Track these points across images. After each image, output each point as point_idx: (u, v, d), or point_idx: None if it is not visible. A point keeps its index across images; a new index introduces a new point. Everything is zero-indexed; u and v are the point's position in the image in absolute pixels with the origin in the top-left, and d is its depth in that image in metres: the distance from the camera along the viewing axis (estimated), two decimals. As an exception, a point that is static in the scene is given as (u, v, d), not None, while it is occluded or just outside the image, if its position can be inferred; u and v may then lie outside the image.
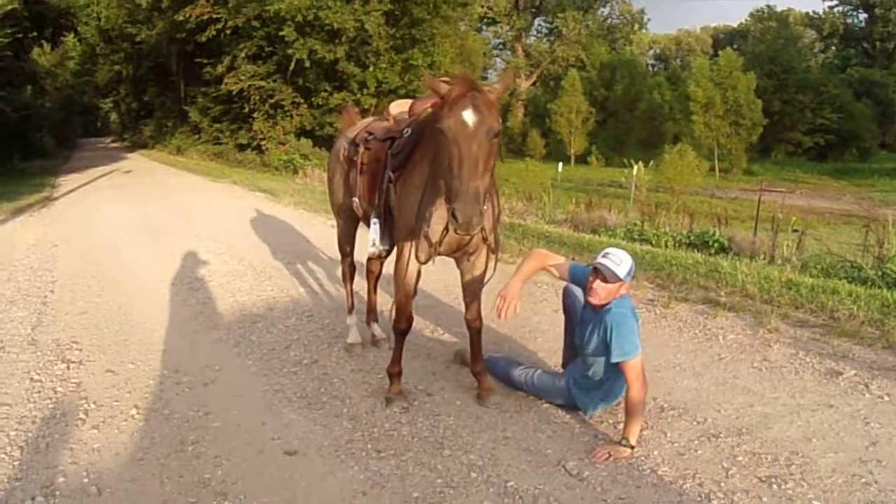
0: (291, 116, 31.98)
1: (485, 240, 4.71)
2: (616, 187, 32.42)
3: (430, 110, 4.86)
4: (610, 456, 4.16)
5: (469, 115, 3.81)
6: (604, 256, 4.39)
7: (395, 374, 5.04)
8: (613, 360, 4.32)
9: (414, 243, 4.66)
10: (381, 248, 5.14)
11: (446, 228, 4.42)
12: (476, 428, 4.62)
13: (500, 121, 4.03)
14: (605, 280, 4.33)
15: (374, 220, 5.10)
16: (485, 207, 4.64)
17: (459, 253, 4.80)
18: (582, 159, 58.82)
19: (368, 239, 5.14)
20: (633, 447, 4.22)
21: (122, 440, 4.51)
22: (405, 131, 4.92)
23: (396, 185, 4.83)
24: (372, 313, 6.47)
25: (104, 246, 11.35)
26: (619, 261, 4.35)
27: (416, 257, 4.66)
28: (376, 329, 6.37)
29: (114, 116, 74.84)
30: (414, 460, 4.21)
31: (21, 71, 32.58)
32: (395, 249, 4.91)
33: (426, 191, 4.51)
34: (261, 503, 3.78)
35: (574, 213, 15.35)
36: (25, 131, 36.19)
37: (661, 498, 3.78)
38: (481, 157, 3.81)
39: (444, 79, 4.17)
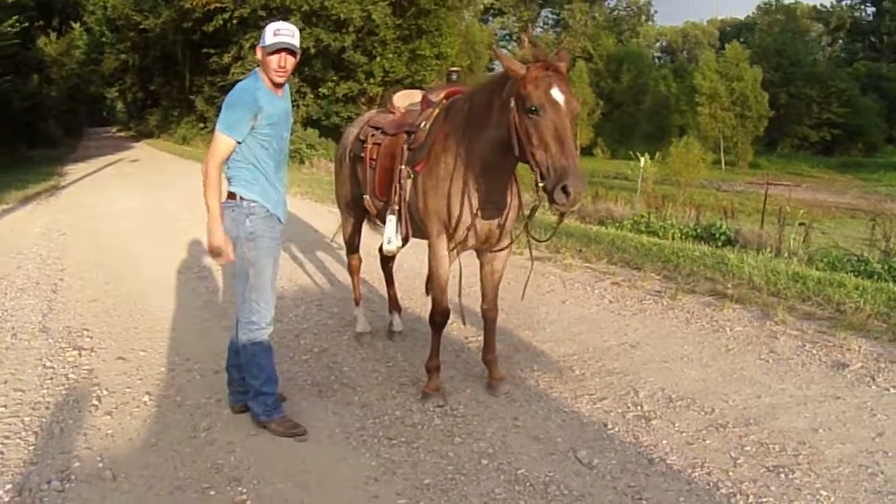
0: (298, 106, 32.00)
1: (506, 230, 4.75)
2: (622, 179, 32.43)
3: (445, 102, 4.88)
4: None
5: (558, 93, 3.84)
6: (277, 35, 4.15)
7: (433, 368, 4.97)
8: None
9: (446, 237, 4.66)
10: (397, 244, 5.02)
11: (478, 218, 4.51)
12: (486, 416, 4.65)
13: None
14: (293, 53, 4.21)
15: (390, 217, 5.00)
16: (515, 202, 4.70)
17: (487, 245, 4.81)
18: (587, 151, 58.88)
19: (384, 236, 5.04)
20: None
21: (136, 426, 4.55)
22: (422, 124, 4.88)
23: (419, 179, 4.77)
24: (394, 304, 6.35)
25: (112, 234, 11.40)
26: (292, 32, 4.21)
27: (448, 250, 4.68)
28: (396, 320, 6.28)
29: (120, 105, 74.93)
30: (425, 448, 4.25)
31: (27, 60, 32.66)
32: (428, 244, 4.83)
33: (453, 183, 4.52)
34: (275, 489, 3.81)
35: (580, 205, 15.40)
36: (32, 120, 36.36)
37: (670, 486, 3.81)
38: (572, 134, 3.86)
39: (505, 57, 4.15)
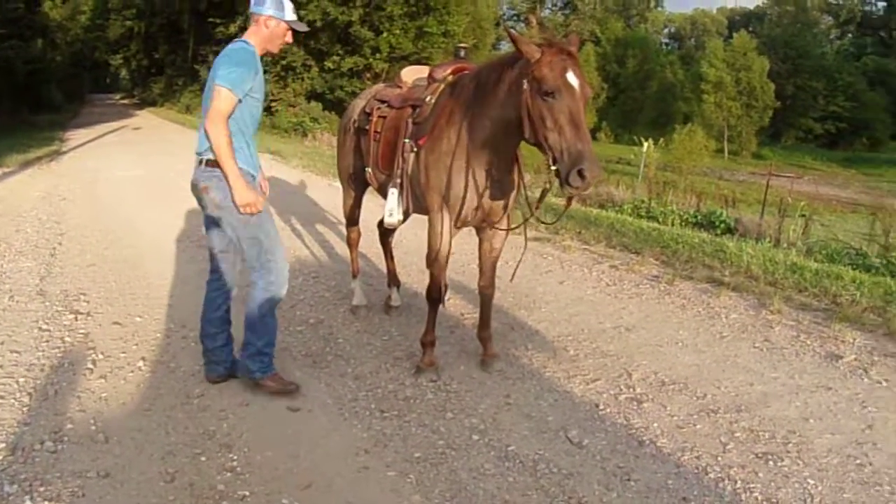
0: (303, 79, 31.89)
1: (506, 210, 4.75)
2: (624, 164, 32.41)
3: (451, 78, 4.88)
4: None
5: (573, 77, 3.84)
6: (295, 13, 4.34)
7: (428, 343, 4.98)
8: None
9: (446, 212, 4.64)
10: (398, 217, 5.00)
11: (478, 195, 4.51)
12: (479, 392, 4.67)
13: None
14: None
15: (392, 190, 4.98)
16: (516, 181, 4.71)
17: (486, 223, 4.81)
18: (591, 135, 58.87)
19: (385, 209, 5.02)
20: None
21: (129, 390, 4.57)
22: (427, 99, 4.88)
23: (422, 153, 4.76)
24: (392, 278, 6.34)
25: (112, 200, 11.40)
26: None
27: (449, 226, 4.67)
28: (394, 294, 6.28)
29: (124, 73, 74.48)
30: (416, 421, 4.27)
31: (32, 23, 32.51)
32: (428, 219, 4.81)
33: (455, 158, 4.50)
34: (265, 456, 3.83)
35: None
36: (35, 84, 36.18)
37: (659, 469, 3.83)
38: (585, 118, 3.89)
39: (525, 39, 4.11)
